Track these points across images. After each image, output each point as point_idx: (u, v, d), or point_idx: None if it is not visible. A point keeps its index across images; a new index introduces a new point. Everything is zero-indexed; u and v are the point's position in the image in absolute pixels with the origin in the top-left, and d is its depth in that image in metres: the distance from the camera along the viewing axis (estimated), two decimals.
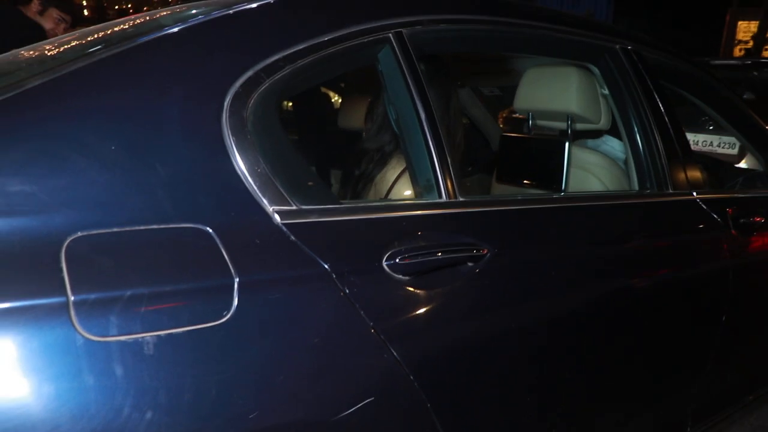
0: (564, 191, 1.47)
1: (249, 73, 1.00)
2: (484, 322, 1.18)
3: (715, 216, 1.71)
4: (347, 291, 0.97)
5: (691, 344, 1.69)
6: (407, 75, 1.22)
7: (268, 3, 1.15)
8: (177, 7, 1.43)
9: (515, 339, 1.23)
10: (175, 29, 1.03)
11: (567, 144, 1.50)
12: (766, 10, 13.35)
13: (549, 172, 1.52)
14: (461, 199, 1.22)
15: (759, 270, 1.91)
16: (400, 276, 1.04)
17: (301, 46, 1.08)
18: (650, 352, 1.56)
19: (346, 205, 1.10)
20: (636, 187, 1.67)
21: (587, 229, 1.45)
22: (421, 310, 1.07)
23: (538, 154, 1.62)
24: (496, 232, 1.24)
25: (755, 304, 1.91)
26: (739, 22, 15.04)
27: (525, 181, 1.70)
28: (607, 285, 1.43)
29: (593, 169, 1.80)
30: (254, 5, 1.13)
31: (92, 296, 0.77)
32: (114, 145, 0.86)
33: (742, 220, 1.79)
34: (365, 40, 1.18)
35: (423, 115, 1.21)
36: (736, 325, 1.78)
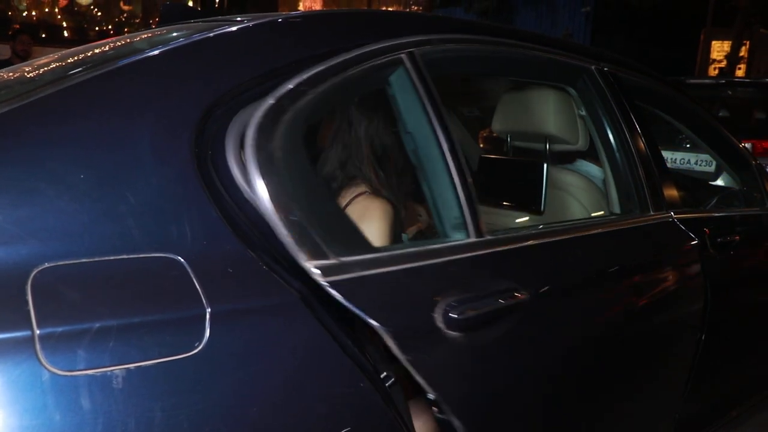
0: (542, 212, 1.47)
1: None
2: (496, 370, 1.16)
3: (692, 236, 1.72)
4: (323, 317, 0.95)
5: (670, 366, 1.69)
6: (425, 99, 1.13)
7: (248, 27, 1.13)
8: (157, 30, 1.42)
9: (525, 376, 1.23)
10: (149, 53, 1.02)
11: (545, 165, 1.50)
12: (737, 31, 13.71)
13: (528, 193, 1.53)
14: (489, 238, 1.14)
15: (736, 289, 1.92)
16: None
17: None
18: (631, 375, 1.56)
19: None
20: (615, 207, 1.67)
21: (580, 260, 1.43)
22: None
23: (517, 175, 1.63)
24: (528, 270, 1.22)
25: (733, 324, 1.92)
26: (713, 42, 15.41)
27: (504, 202, 1.70)
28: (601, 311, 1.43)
29: (572, 190, 1.81)
30: (234, 29, 1.11)
31: (59, 329, 0.75)
32: (83, 173, 0.84)
33: (719, 240, 1.80)
34: (378, 62, 1.12)
35: (446, 146, 1.12)
36: (714, 345, 1.78)
